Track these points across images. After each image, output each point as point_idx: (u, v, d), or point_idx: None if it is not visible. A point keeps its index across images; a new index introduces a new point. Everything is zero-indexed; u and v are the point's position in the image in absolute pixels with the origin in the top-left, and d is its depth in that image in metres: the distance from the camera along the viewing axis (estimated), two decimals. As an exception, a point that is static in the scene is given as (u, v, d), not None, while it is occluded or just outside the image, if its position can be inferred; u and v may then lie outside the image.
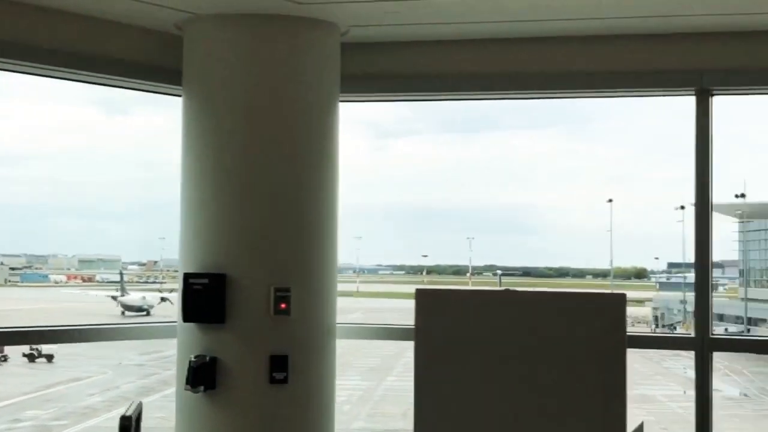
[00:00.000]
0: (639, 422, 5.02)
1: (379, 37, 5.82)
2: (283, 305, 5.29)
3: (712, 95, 5.72)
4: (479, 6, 5.19)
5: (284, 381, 5.25)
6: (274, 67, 5.42)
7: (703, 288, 5.52)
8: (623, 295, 4.66)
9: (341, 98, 5.73)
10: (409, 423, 5.24)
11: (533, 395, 4.65)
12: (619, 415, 4.47)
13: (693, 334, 5.59)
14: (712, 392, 5.62)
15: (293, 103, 5.43)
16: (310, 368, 5.39)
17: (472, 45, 5.77)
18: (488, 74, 5.82)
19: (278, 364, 5.26)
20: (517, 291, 5.03)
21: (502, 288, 5.03)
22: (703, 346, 5.51)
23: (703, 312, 5.51)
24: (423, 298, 4.87)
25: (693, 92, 5.67)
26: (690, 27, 5.53)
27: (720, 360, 31.28)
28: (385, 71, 5.90)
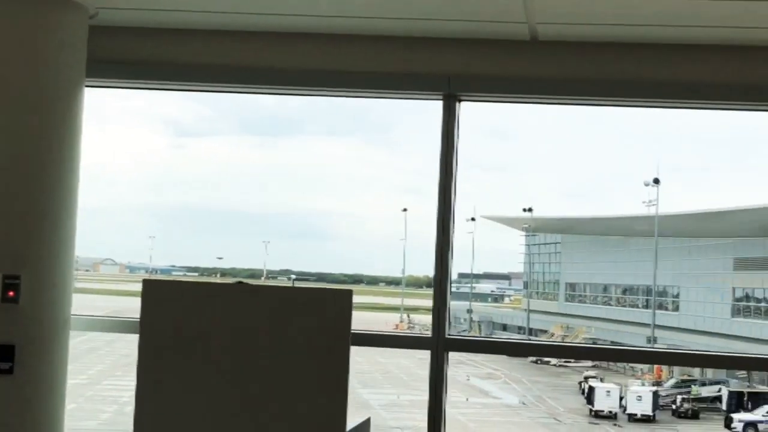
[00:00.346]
0: (365, 417, 5.04)
1: (132, 22, 5.64)
2: (11, 293, 5.04)
3: (460, 101, 5.82)
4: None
5: (9, 371, 5.00)
6: (12, 47, 5.17)
7: (441, 291, 5.61)
8: (349, 291, 4.66)
9: (87, 83, 5.52)
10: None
11: (255, 387, 4.60)
12: (338, 411, 4.47)
13: (431, 334, 5.67)
14: (445, 393, 5.71)
15: (31, 86, 5.20)
16: (40, 360, 5.16)
17: (238, 36, 5.67)
18: (249, 67, 5.73)
19: (3, 354, 5.01)
20: (249, 284, 4.97)
21: (235, 280, 4.95)
22: (438, 346, 5.59)
23: (440, 313, 5.60)
24: (150, 289, 4.74)
25: (440, 97, 5.74)
26: (441, 32, 5.61)
27: (501, 369, 32.17)
28: (137, 58, 5.72)
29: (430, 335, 5.64)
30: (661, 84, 5.49)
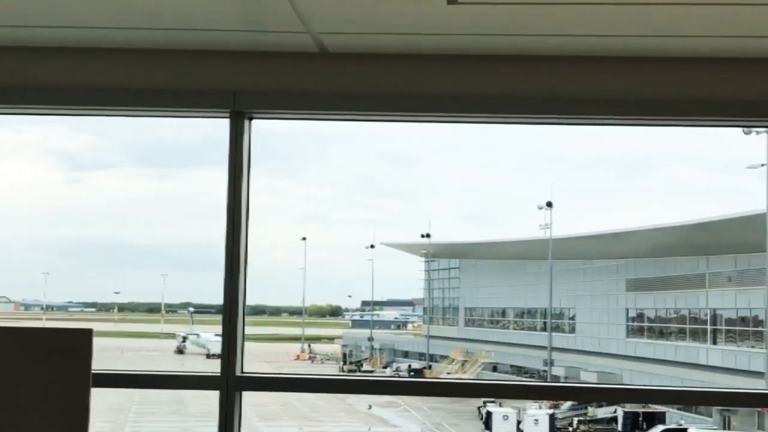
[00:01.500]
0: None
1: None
2: None
3: (251, 118, 5.37)
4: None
5: None
6: None
7: (231, 325, 5.12)
8: (90, 331, 4.14)
9: None
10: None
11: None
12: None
13: (220, 373, 5.16)
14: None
15: None
16: None
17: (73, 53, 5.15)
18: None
19: None
20: (-21, 327, 4.41)
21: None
22: (229, 385, 5.09)
23: (230, 349, 5.10)
24: None
25: (227, 114, 5.28)
26: (226, 44, 5.15)
27: (402, 396, 31.82)
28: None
29: (219, 374, 5.13)
30: (458, 96, 5.11)
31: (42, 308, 67.77)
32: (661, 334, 44.27)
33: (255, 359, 55.96)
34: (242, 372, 5.24)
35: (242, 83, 5.25)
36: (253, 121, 5.37)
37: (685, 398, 5.22)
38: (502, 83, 5.06)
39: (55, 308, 69.53)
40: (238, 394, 5.20)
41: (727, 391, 5.49)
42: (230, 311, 5.20)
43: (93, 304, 62.10)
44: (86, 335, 4.04)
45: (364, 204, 68.15)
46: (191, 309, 66.93)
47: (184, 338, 59.83)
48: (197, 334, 59.91)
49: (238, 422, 5.25)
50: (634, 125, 5.21)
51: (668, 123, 5.10)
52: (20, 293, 74.21)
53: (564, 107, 5.08)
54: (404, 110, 5.24)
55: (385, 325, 73.17)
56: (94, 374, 4.32)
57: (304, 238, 57.38)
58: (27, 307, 74.13)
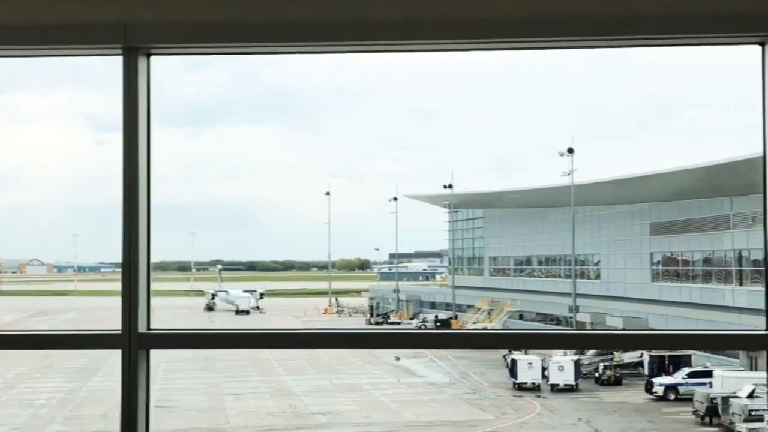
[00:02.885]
0: None
1: None
2: None
3: (149, 55, 4.82)
4: None
5: None
6: None
7: (132, 280, 4.61)
8: None
9: None
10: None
11: None
12: None
13: (121, 330, 4.65)
14: (149, 394, 4.71)
15: None
16: None
17: None
18: None
19: None
20: None
21: None
22: (131, 343, 4.59)
23: (132, 306, 4.60)
24: None
25: (119, 50, 4.72)
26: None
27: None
28: None
29: (120, 331, 4.62)
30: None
31: (74, 270, 67.93)
32: (687, 277, 43.54)
33: (284, 314, 55.90)
34: (148, 329, 4.73)
35: (134, 15, 4.68)
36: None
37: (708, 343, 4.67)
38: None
39: (87, 269, 69.71)
40: (144, 353, 4.70)
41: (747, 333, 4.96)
42: (129, 266, 4.69)
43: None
44: None
45: (387, 157, 67.49)
46: (220, 267, 66.71)
47: (213, 295, 59.73)
48: (226, 291, 59.79)
49: (145, 382, 4.75)
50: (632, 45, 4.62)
51: (657, 41, 4.54)
52: (52, 256, 74.54)
53: (555, 28, 4.49)
54: (320, 39, 4.65)
55: (413, 276, 72.76)
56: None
57: (327, 193, 56.95)
58: (60, 269, 74.42)
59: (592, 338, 7.42)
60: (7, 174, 62.42)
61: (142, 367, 4.71)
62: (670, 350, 35.83)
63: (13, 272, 74.78)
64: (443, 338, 5.41)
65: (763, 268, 41.32)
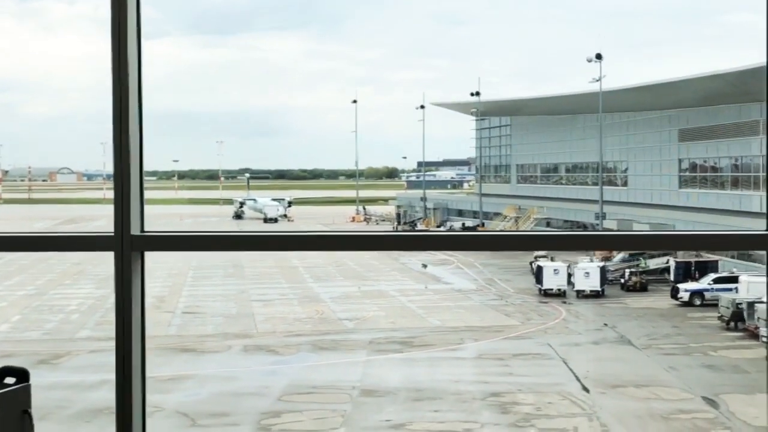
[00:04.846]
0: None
1: None
2: None
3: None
4: None
5: None
6: None
7: (123, 182, 4.54)
8: None
9: None
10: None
11: None
12: None
13: (114, 232, 4.60)
14: (144, 297, 4.68)
15: None
16: None
17: None
18: None
19: None
20: None
21: None
22: (124, 245, 4.54)
23: (124, 207, 4.54)
24: None
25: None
26: None
27: (454, 254, 31.67)
28: None
29: (113, 234, 4.57)
30: None
31: (103, 178, 68.20)
32: (715, 183, 43.16)
33: (312, 222, 56.14)
34: (142, 231, 4.68)
35: None
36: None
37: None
38: None
39: (116, 178, 69.65)
40: (138, 255, 4.65)
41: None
42: (122, 169, 4.61)
43: (153, 173, 62.09)
44: None
45: (415, 65, 66.77)
46: (248, 175, 66.62)
47: (242, 204, 59.78)
48: (254, 199, 59.81)
49: (140, 285, 4.70)
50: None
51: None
52: (82, 164, 74.80)
53: None
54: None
55: (440, 185, 72.58)
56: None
57: (355, 101, 56.53)
58: (89, 177, 74.78)
59: (602, 239, 7.33)
60: (34, 83, 62.45)
61: (135, 269, 4.65)
62: (667, 250, 35.69)
63: (44, 180, 75.32)
64: (469, 240, 5.29)
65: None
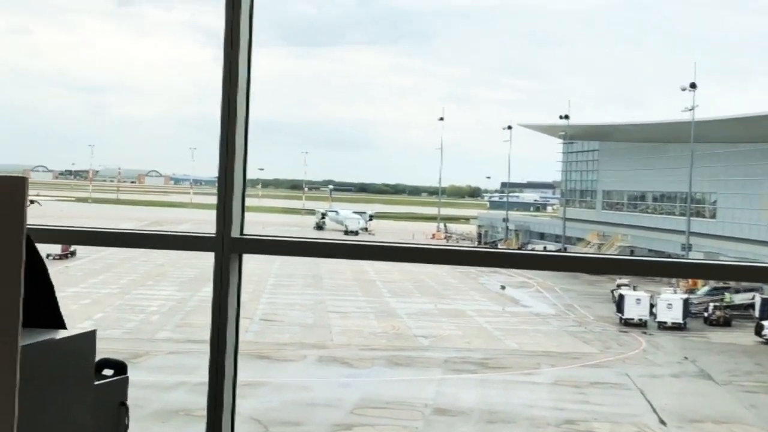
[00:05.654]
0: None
1: None
2: None
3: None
4: None
5: None
6: None
7: (227, 187, 4.72)
8: (23, 179, 3.73)
9: None
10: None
11: None
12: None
13: (215, 234, 4.78)
14: (234, 303, 4.84)
15: None
16: None
17: None
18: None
19: None
20: None
21: None
22: (224, 247, 4.71)
23: (226, 211, 4.72)
24: None
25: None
26: None
27: (533, 277, 31.62)
28: None
29: (215, 235, 4.75)
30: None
31: (190, 182, 69.45)
32: (809, 220, 42.25)
33: (392, 237, 56.32)
34: (241, 234, 4.85)
35: None
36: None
37: None
38: None
39: (203, 182, 71.18)
40: (236, 257, 4.81)
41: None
42: (226, 174, 4.78)
43: (238, 180, 62.97)
44: (20, 182, 3.67)
45: (503, 84, 66.60)
46: (331, 186, 67.31)
47: (324, 215, 60.32)
48: (336, 211, 60.32)
49: (237, 287, 4.87)
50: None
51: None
52: (170, 168, 76.25)
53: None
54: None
55: (523, 207, 72.26)
56: (54, 230, 4.00)
57: (441, 119, 56.65)
58: (176, 181, 76.13)
59: (686, 267, 7.24)
60: (128, 85, 63.79)
61: (234, 271, 4.82)
62: (750, 282, 34.91)
63: (132, 182, 76.86)
64: (549, 260, 5.34)
65: None
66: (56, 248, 45.80)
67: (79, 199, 64.61)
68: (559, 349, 33.74)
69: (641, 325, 37.36)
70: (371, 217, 60.30)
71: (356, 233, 56.25)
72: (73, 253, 47.37)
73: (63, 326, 3.89)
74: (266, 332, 33.95)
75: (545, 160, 64.15)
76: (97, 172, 67.75)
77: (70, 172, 71.85)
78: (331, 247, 4.97)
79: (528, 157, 67.23)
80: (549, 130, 54.16)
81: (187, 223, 59.58)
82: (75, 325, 3.98)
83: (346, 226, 57.42)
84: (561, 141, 55.62)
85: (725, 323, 38.13)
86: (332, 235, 56.94)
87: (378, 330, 35.53)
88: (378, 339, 34.06)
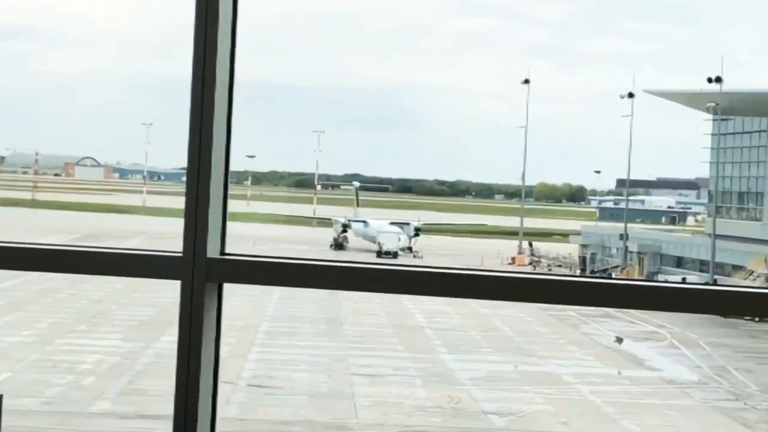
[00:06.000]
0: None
1: None
2: None
3: None
4: None
5: None
6: None
7: (201, 191, 4.66)
8: None
9: None
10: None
11: None
12: None
13: (182, 253, 4.72)
14: (218, 350, 4.79)
15: None
16: None
17: None
18: None
19: None
20: None
21: None
22: (195, 272, 4.64)
23: (198, 218, 4.66)
24: None
25: None
26: None
27: (669, 325, 31.68)
28: None
29: (181, 254, 4.68)
30: None
31: (143, 176, 69.41)
32: None
33: (449, 261, 56.23)
34: (222, 253, 4.78)
35: None
36: None
37: None
38: None
39: (161, 176, 71.10)
40: (214, 287, 4.75)
41: None
42: (199, 162, 4.73)
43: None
44: None
45: (620, 30, 65.99)
46: (356, 184, 66.49)
47: (345, 227, 59.89)
48: (364, 222, 59.91)
49: (214, 333, 4.81)
50: None
51: None
52: (112, 154, 75.73)
53: None
54: None
55: (651, 216, 71.55)
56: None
57: (526, 81, 56.03)
58: (122, 173, 76.09)
59: None
60: (51, 29, 63.91)
61: (210, 308, 4.74)
62: None
63: (56, 174, 76.57)
64: (690, 297, 5.25)
65: None
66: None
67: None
68: (705, 435, 33.56)
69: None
70: (417, 231, 59.93)
71: (395, 255, 56.00)
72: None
73: None
74: (257, 405, 33.95)
75: (685, 147, 63.63)
76: (2, 158, 67.87)
77: (-42, 158, 72.55)
78: (355, 273, 4.89)
79: (658, 140, 66.50)
80: (691, 99, 53.64)
81: (138, 237, 59.53)
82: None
83: (379, 244, 57.06)
84: (710, 117, 54.97)
85: None
86: (358, 257, 56.69)
87: (428, 403, 35.43)
88: (428, 417, 34.01)
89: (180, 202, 5.36)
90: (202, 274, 4.70)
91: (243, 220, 57.14)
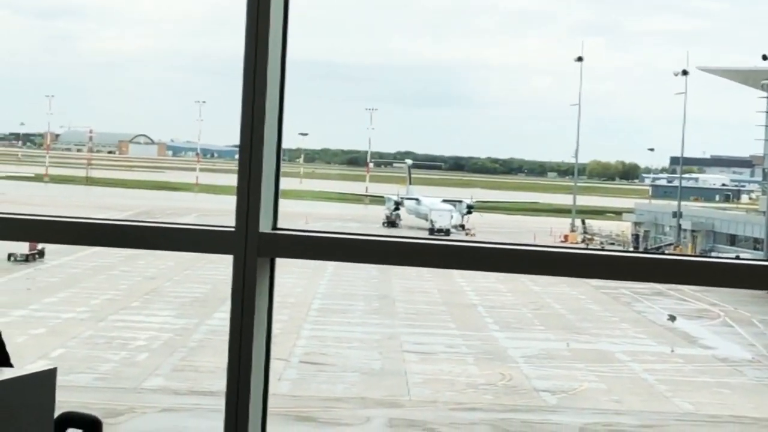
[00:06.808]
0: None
1: None
2: None
3: None
4: None
5: None
6: None
7: (254, 165, 4.71)
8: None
9: None
10: None
11: None
12: None
13: (235, 228, 4.77)
14: (269, 323, 4.84)
15: None
16: None
17: None
18: None
19: None
20: None
21: None
22: (247, 247, 4.69)
23: (251, 195, 4.71)
24: None
25: None
26: None
27: (721, 303, 31.64)
28: None
29: (234, 229, 4.74)
30: None
31: (196, 154, 69.46)
32: None
33: (502, 238, 56.05)
34: (274, 228, 4.83)
35: None
36: None
37: None
38: None
39: (215, 154, 71.24)
40: (266, 262, 4.80)
41: None
42: (252, 140, 4.78)
43: (272, 151, 62.19)
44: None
45: (675, 6, 65.70)
46: (409, 161, 66.75)
47: (398, 204, 60.08)
48: (416, 199, 60.09)
49: (266, 308, 4.86)
50: None
51: None
52: (166, 132, 75.86)
53: None
54: None
55: (706, 194, 71.23)
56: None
57: (580, 59, 55.88)
58: (175, 151, 76.10)
59: None
60: (100, 7, 64.13)
61: (262, 283, 4.79)
62: None
63: (110, 152, 76.82)
64: (742, 273, 5.25)
65: None
66: (22, 246, 46.03)
67: (28, 177, 65.42)
68: (757, 413, 33.37)
69: None
70: (470, 209, 59.95)
71: (447, 232, 56.02)
72: (41, 254, 47.83)
73: (8, 364, 3.92)
74: (309, 381, 34.06)
75: (740, 124, 63.27)
76: (57, 136, 68.15)
77: (16, 136, 72.76)
78: (408, 249, 4.93)
79: (713, 118, 66.30)
80: (746, 77, 53.35)
81: (192, 214, 59.60)
82: (23, 366, 3.98)
83: (432, 221, 57.17)
84: (765, 95, 54.66)
85: None
86: (411, 235, 56.54)
87: (480, 380, 35.43)
88: (479, 394, 34.01)
89: (233, 180, 5.42)
90: (254, 249, 4.75)
91: (295, 197, 57.22)
